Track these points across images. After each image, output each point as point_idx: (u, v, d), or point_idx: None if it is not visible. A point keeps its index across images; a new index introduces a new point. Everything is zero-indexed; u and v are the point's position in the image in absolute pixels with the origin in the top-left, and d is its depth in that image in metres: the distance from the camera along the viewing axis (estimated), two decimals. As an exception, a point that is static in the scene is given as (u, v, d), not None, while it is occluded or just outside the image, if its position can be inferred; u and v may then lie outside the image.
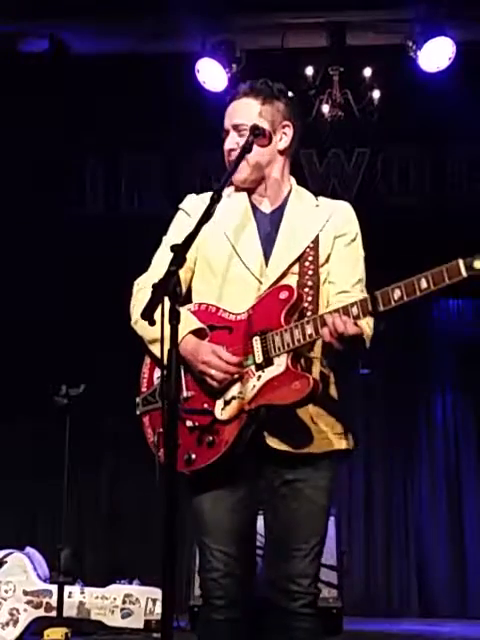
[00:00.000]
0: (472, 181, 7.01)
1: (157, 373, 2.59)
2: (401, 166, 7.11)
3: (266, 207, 2.71)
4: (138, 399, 2.62)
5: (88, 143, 7.13)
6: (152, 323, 2.06)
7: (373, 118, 6.50)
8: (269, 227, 2.66)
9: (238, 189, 2.73)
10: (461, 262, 2.24)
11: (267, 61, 6.13)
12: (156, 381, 2.58)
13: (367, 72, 6.41)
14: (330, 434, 2.54)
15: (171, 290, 2.07)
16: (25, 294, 6.86)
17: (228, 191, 2.72)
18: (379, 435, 7.55)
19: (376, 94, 6.43)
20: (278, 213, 2.69)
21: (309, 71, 6.41)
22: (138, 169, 7.25)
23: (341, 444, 2.56)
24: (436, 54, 6.07)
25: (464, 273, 2.24)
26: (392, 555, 7.36)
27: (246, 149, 2.54)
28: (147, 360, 2.63)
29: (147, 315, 2.06)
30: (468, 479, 7.42)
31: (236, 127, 2.65)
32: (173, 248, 2.18)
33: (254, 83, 2.71)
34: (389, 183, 7.13)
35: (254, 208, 2.70)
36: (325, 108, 6.47)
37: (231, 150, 2.65)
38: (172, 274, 2.10)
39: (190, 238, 2.26)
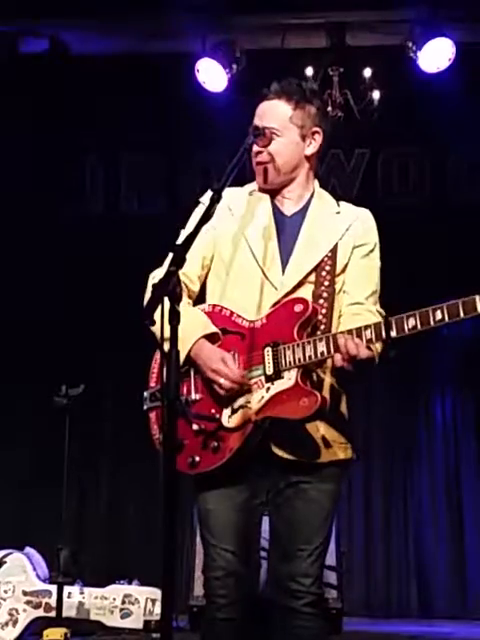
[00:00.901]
0: (472, 182, 7.01)
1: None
2: (401, 167, 7.11)
3: (288, 209, 2.69)
4: (146, 393, 2.62)
5: (88, 143, 7.13)
6: (152, 323, 2.06)
7: (373, 119, 6.50)
8: (289, 231, 2.65)
9: (261, 190, 2.72)
10: (478, 299, 2.26)
11: (267, 61, 6.12)
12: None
13: (367, 73, 6.41)
14: (335, 446, 2.56)
15: (170, 290, 2.07)
16: (25, 294, 6.86)
17: (250, 188, 2.73)
18: (378, 435, 7.54)
19: (376, 95, 6.42)
20: (299, 217, 2.67)
21: (309, 71, 6.40)
22: (138, 169, 7.24)
23: (346, 454, 2.60)
24: (436, 55, 6.08)
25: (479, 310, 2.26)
26: (392, 556, 7.35)
27: (246, 150, 2.54)
28: (157, 356, 2.63)
29: (147, 315, 2.06)
30: (468, 479, 7.41)
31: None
32: (172, 248, 2.18)
33: (287, 84, 2.68)
34: (389, 184, 7.13)
35: (275, 209, 2.69)
36: (325, 109, 6.47)
37: (258, 153, 2.63)
38: (171, 274, 2.10)
39: (190, 239, 2.26)
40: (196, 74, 6.26)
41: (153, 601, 4.95)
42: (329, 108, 6.44)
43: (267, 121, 2.63)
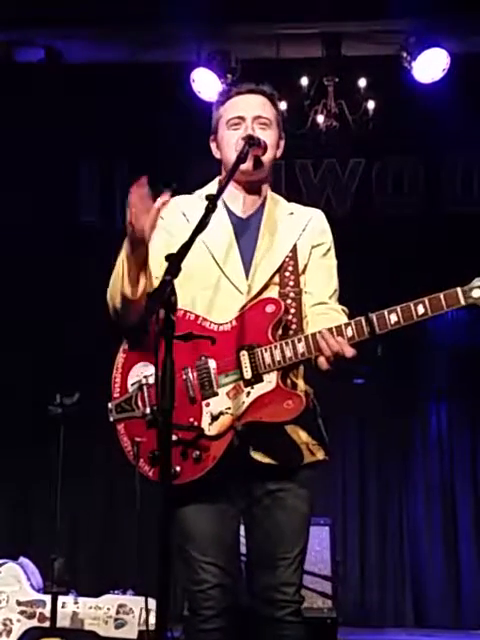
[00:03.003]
0: (466, 191, 7.04)
1: (131, 379, 2.56)
2: (396, 176, 7.12)
3: (243, 212, 2.70)
4: (111, 405, 2.58)
5: (83, 153, 7.13)
6: (146, 331, 2.05)
7: (368, 128, 6.52)
8: (247, 233, 2.65)
9: (245, 183, 2.70)
10: (459, 290, 2.31)
11: (262, 71, 6.14)
12: (130, 388, 2.55)
13: (362, 82, 6.44)
14: (310, 445, 2.55)
15: (166, 299, 2.05)
16: (21, 301, 6.86)
17: (201, 193, 2.72)
18: (373, 444, 7.54)
19: (371, 104, 6.45)
20: (255, 219, 2.68)
21: (304, 81, 6.43)
22: (133, 179, 7.24)
23: (318, 455, 2.57)
24: (430, 65, 6.11)
25: (462, 301, 2.30)
26: (387, 565, 7.34)
27: (241, 159, 2.54)
28: (118, 363, 2.59)
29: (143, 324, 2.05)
30: (462, 488, 7.41)
31: (258, 118, 2.65)
32: (168, 257, 2.17)
33: (267, 87, 2.72)
34: (384, 193, 7.15)
35: (230, 213, 2.69)
36: (320, 118, 6.49)
37: (258, 138, 2.61)
38: (167, 283, 2.08)
39: (185, 248, 2.23)
40: (191, 83, 6.28)
41: (148, 611, 4.94)
42: (324, 117, 6.49)
43: (260, 111, 2.66)
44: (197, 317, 2.53)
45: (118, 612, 4.99)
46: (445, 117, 6.16)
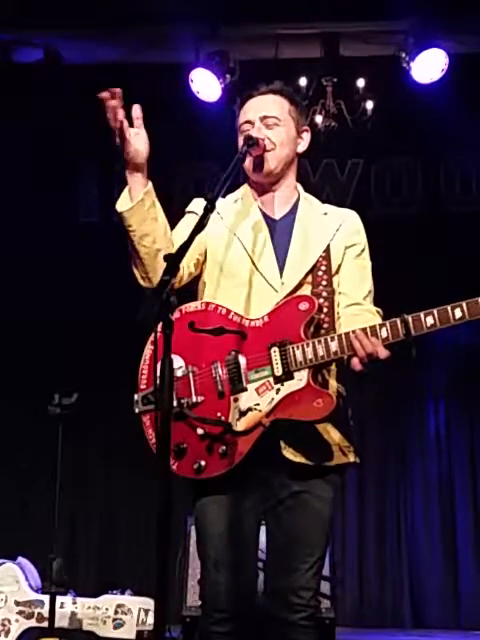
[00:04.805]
0: (464, 191, 7.04)
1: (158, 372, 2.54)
2: (394, 176, 7.13)
3: (276, 213, 2.70)
4: (137, 396, 2.54)
5: (82, 153, 7.13)
6: (147, 330, 2.05)
7: (366, 129, 6.53)
8: (281, 234, 2.65)
9: (252, 183, 2.72)
10: None
11: (261, 71, 6.14)
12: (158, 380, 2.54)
13: (360, 83, 6.45)
14: (341, 447, 2.54)
15: (165, 299, 2.06)
16: (19, 301, 6.86)
17: (234, 196, 2.73)
18: (372, 446, 7.52)
19: (369, 105, 6.46)
20: (289, 219, 2.68)
21: (303, 81, 6.43)
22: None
23: (349, 457, 2.56)
24: (429, 66, 6.12)
25: None
26: (385, 566, 7.34)
27: (240, 159, 2.54)
28: (145, 355, 2.57)
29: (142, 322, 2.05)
30: (461, 487, 7.40)
31: (264, 118, 2.65)
32: (166, 258, 2.17)
33: (277, 84, 2.72)
34: (382, 193, 7.15)
35: (264, 214, 2.69)
36: (318, 118, 6.50)
37: (259, 139, 2.61)
38: (165, 283, 2.09)
39: (183, 248, 2.25)
40: (190, 84, 6.28)
41: (146, 611, 4.93)
42: (322, 117, 6.49)
43: (267, 111, 2.65)
44: (228, 311, 2.52)
45: (116, 612, 4.98)
46: (443, 117, 6.18)
